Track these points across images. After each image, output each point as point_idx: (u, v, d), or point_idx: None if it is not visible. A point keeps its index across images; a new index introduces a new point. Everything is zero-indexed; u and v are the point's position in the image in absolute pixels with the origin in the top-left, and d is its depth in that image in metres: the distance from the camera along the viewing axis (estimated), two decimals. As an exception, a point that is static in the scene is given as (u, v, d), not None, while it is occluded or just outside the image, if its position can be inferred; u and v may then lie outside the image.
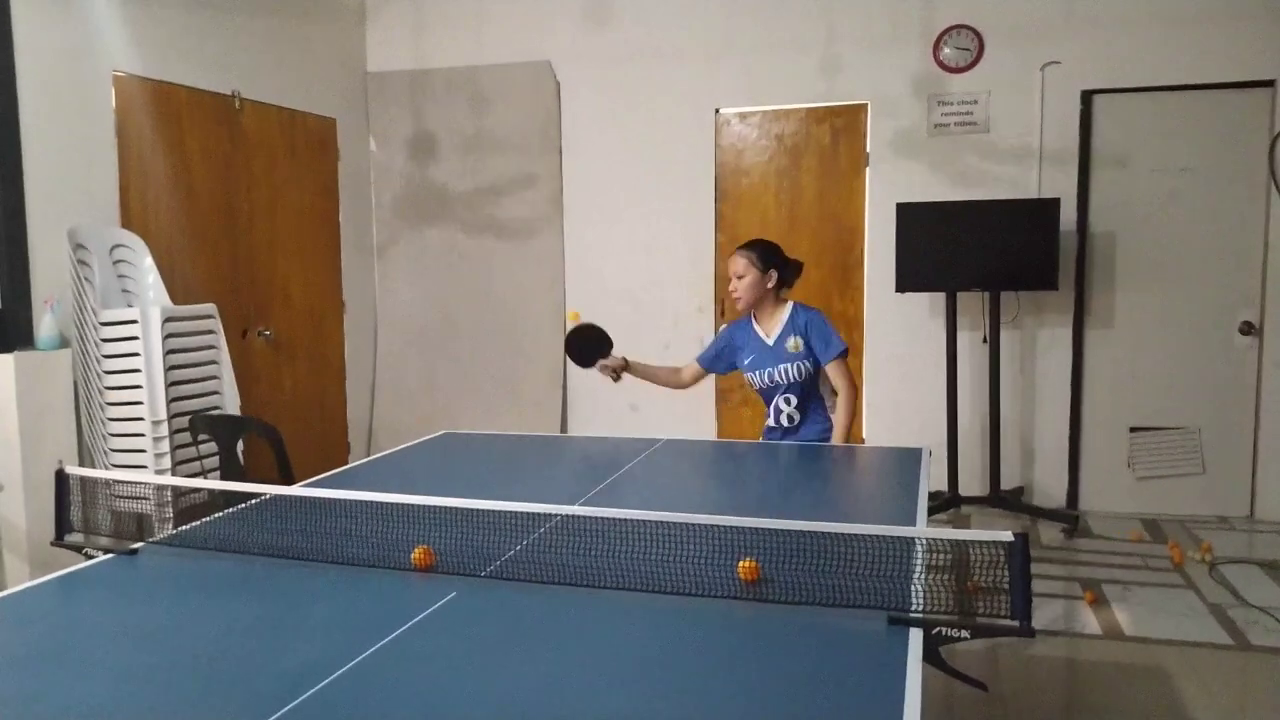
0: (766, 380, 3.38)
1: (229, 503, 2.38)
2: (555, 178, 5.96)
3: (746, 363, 3.42)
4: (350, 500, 2.17)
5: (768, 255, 3.40)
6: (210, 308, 4.32)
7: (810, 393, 3.40)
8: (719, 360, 3.54)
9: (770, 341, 3.38)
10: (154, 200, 4.52)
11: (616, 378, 3.50)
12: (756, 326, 3.43)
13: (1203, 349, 5.23)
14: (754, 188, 5.72)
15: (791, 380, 3.35)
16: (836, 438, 3.32)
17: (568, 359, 3.53)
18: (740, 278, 3.38)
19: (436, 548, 1.94)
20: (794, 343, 3.35)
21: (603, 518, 1.95)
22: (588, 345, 3.50)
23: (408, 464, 3.03)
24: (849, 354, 3.40)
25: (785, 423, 3.40)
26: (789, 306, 3.41)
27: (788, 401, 3.38)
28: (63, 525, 2.18)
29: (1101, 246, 5.29)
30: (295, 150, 5.46)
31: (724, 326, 3.60)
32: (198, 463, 4.11)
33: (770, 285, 3.39)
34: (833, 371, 3.36)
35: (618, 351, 3.51)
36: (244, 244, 5.08)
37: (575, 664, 1.47)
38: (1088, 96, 5.21)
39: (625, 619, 1.67)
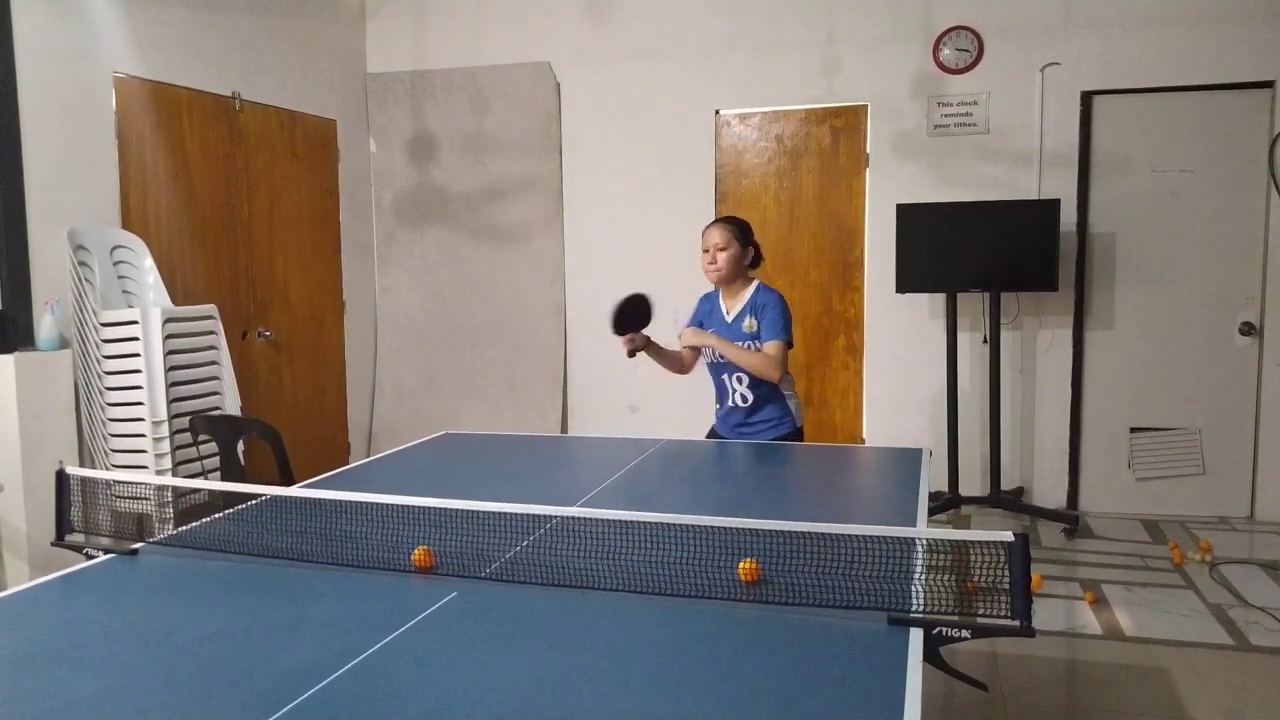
0: (717, 355, 3.36)
1: (229, 503, 2.38)
2: (555, 178, 5.97)
3: None
4: (350, 501, 2.17)
5: (747, 231, 3.42)
6: (211, 308, 4.32)
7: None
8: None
9: (730, 319, 3.38)
10: (154, 201, 4.52)
11: (632, 354, 3.41)
12: (722, 302, 3.44)
13: (1203, 349, 5.23)
14: (754, 188, 5.72)
15: None
16: (739, 359, 3.27)
17: (615, 320, 3.37)
18: (722, 250, 3.36)
19: (436, 548, 1.94)
20: (749, 323, 3.33)
21: (602, 519, 1.95)
22: (631, 314, 3.39)
23: (408, 464, 3.03)
24: (791, 348, 3.34)
25: (739, 401, 3.37)
26: (753, 286, 3.40)
27: (740, 380, 3.36)
28: (63, 525, 2.18)
29: (1101, 247, 5.30)
30: (296, 151, 5.46)
31: (700, 297, 3.59)
32: (198, 463, 4.11)
33: (747, 262, 3.41)
34: (766, 347, 3.28)
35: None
36: (244, 245, 5.08)
37: (575, 665, 1.47)
38: (1087, 97, 5.21)
39: (625, 620, 1.67)
